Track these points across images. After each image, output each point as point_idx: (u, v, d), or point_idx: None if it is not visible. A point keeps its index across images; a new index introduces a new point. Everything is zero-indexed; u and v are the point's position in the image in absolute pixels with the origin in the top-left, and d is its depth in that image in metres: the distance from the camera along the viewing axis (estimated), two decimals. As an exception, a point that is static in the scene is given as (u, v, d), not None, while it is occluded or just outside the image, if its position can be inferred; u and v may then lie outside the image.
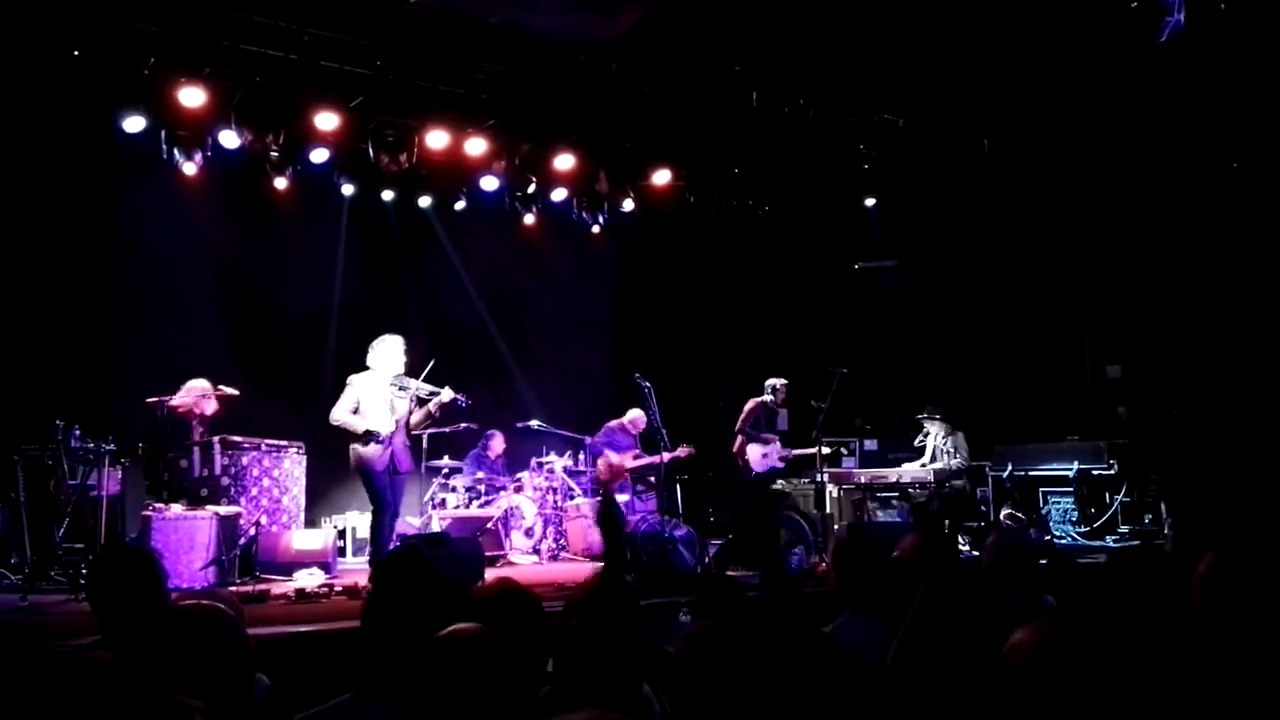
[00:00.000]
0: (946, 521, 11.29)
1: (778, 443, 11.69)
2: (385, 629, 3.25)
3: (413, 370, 9.40)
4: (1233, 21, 9.02)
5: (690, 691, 3.03)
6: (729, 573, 8.43)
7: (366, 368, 9.25)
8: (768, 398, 11.73)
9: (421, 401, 9.41)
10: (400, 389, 9.24)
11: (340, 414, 9.05)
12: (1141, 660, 1.85)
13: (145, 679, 2.91)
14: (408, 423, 9.29)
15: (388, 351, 9.28)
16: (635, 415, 12.51)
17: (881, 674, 3.35)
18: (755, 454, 11.58)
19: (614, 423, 12.79)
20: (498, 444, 12.84)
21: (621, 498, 12.11)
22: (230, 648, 3.03)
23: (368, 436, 8.97)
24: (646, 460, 12.21)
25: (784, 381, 11.76)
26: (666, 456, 11.18)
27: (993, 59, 10.59)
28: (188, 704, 2.71)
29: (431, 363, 9.44)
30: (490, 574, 8.70)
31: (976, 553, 10.79)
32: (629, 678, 3.36)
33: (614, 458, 12.58)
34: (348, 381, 9.20)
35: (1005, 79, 11.04)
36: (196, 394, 9.71)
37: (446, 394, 9.35)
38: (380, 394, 9.14)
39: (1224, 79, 10.31)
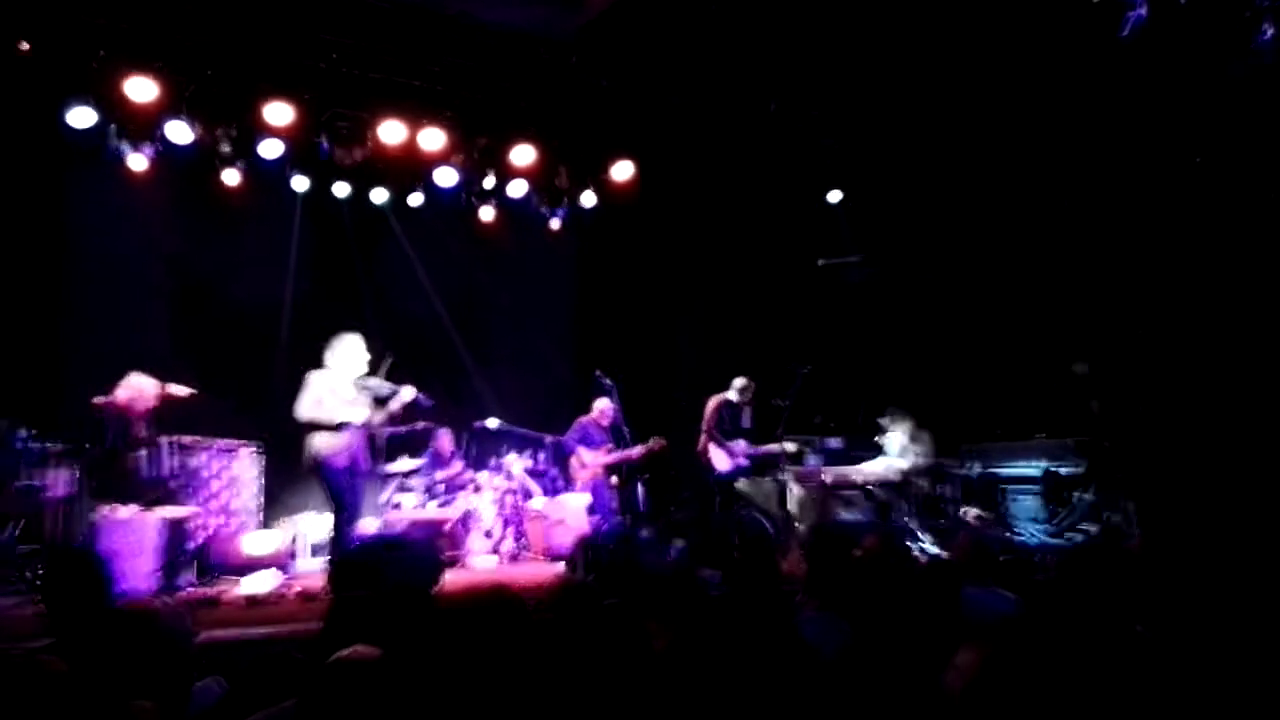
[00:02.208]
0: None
1: (743, 442, 11.64)
2: (345, 638, 3.15)
3: (372, 367, 9.29)
4: (1194, 15, 9.06)
5: (662, 688, 2.95)
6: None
7: (323, 366, 9.11)
8: (732, 396, 11.70)
9: (381, 401, 9.29)
10: (360, 388, 9.12)
11: (307, 409, 8.86)
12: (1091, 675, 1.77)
13: (92, 681, 2.85)
14: (367, 422, 9.17)
15: (346, 351, 9.17)
16: (603, 405, 12.43)
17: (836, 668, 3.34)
18: (719, 454, 11.54)
19: (585, 418, 12.65)
20: (445, 442, 12.68)
21: (583, 498, 12.03)
22: (166, 648, 2.96)
23: (342, 426, 8.84)
24: (621, 454, 12.11)
25: (751, 382, 11.74)
26: (640, 450, 11.12)
27: (956, 54, 10.60)
28: (139, 707, 2.66)
29: (389, 360, 9.31)
30: (450, 576, 8.59)
31: (942, 552, 10.81)
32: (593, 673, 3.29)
33: (588, 455, 12.47)
34: (307, 379, 9.03)
35: (969, 74, 11.05)
36: (133, 390, 9.50)
37: (407, 393, 9.27)
38: (340, 392, 9.01)
39: (1186, 73, 10.35)
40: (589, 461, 12.42)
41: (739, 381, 11.79)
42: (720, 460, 11.55)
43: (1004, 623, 4.70)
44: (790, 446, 11.54)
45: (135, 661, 2.95)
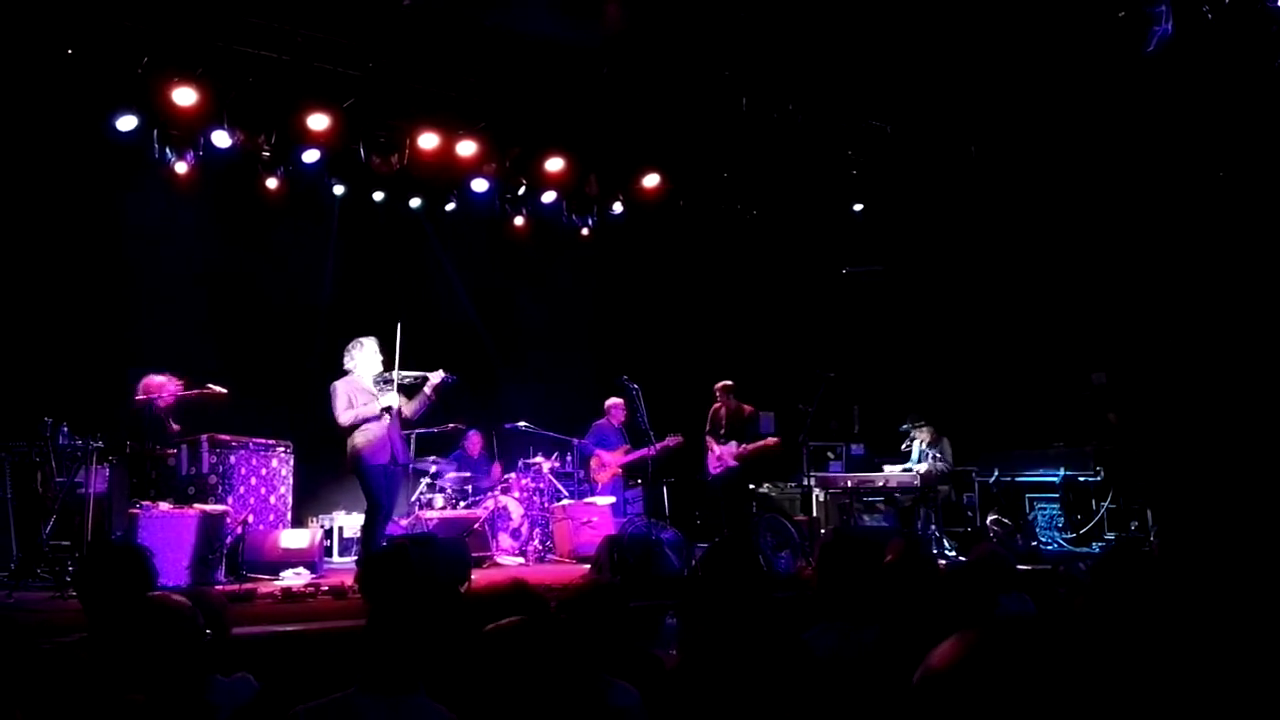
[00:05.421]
0: None
1: (731, 444, 11.65)
2: (390, 627, 3.27)
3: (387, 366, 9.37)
4: (1220, 31, 9.08)
5: (677, 688, 3.05)
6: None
7: (345, 373, 9.24)
8: (717, 399, 11.82)
9: (409, 390, 9.36)
10: (384, 383, 9.21)
11: (345, 414, 8.95)
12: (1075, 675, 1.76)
13: (125, 672, 2.95)
14: (401, 414, 9.27)
15: (364, 354, 9.24)
16: (612, 403, 12.62)
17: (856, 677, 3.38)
18: (710, 457, 11.68)
19: (599, 421, 12.83)
20: (474, 443, 12.92)
21: (608, 499, 12.15)
22: (181, 640, 3.07)
23: (384, 413, 8.96)
24: (638, 454, 12.21)
25: (727, 383, 11.81)
26: (656, 447, 11.24)
27: (981, 67, 10.64)
28: (131, 699, 2.75)
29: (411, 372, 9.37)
30: (478, 575, 8.73)
31: (963, 558, 10.87)
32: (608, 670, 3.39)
33: (606, 456, 12.62)
34: (332, 389, 9.10)
35: (993, 87, 11.09)
36: (155, 388, 9.65)
37: (435, 376, 9.28)
38: (366, 392, 9.12)
39: (1211, 88, 10.36)
40: (608, 461, 12.57)
41: (718, 385, 11.89)
42: (711, 462, 11.68)
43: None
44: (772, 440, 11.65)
45: (151, 649, 3.02)
